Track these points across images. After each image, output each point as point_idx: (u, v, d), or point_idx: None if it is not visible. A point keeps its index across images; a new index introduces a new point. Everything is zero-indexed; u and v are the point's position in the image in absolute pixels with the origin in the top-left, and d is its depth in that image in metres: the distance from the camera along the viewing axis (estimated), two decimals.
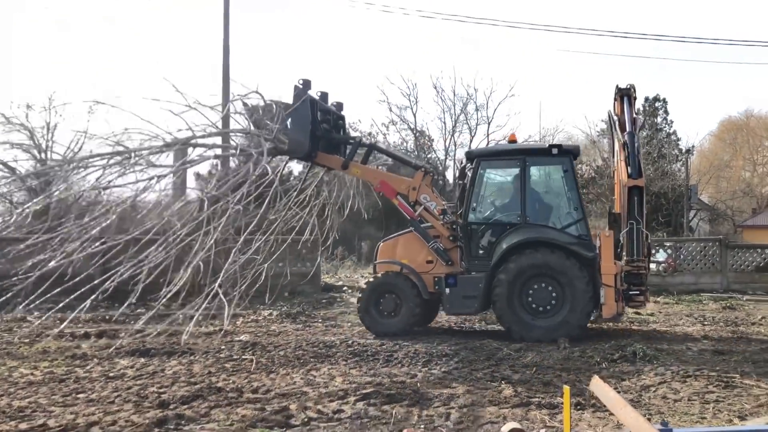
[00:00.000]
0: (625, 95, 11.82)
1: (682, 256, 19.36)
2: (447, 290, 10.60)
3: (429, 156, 35.86)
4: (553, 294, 10.24)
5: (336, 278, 21.00)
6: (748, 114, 50.46)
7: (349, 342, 9.83)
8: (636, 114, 11.59)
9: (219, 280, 7.89)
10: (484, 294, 10.44)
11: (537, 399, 6.39)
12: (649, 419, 5.54)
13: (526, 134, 35.71)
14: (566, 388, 3.34)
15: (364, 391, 6.59)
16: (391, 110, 36.18)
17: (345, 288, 18.30)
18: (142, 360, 8.63)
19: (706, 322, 12.63)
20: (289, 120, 10.65)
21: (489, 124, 36.93)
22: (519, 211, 10.78)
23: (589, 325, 10.70)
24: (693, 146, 44.48)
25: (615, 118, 11.96)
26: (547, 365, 8.12)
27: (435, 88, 38.13)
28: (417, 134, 36.56)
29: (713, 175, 44.70)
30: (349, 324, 12.25)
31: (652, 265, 21.35)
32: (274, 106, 10.67)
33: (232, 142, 11.33)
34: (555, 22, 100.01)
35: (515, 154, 11.10)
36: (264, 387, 6.97)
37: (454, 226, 11.09)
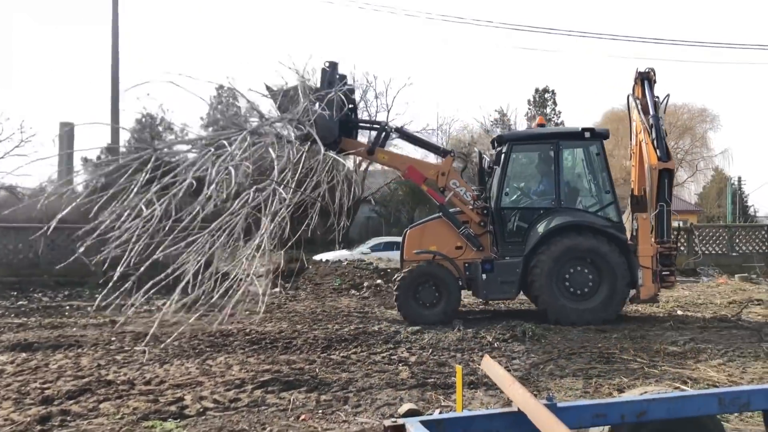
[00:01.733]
0: (645, 79, 11.64)
1: None
2: (483, 276, 10.49)
3: None
4: (590, 277, 10.32)
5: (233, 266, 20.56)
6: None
7: (247, 330, 9.69)
8: (656, 97, 11.48)
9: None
10: (521, 278, 10.45)
11: (432, 380, 6.56)
12: (536, 395, 5.84)
13: (423, 123, 36.37)
14: (458, 368, 3.45)
15: (261, 379, 6.52)
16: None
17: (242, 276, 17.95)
18: (24, 355, 8.12)
19: None
20: (317, 104, 9.93)
21: (388, 111, 37.28)
22: (553, 195, 10.80)
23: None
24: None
25: (635, 101, 11.69)
26: (442, 347, 8.35)
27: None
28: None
29: None
30: (247, 313, 12.06)
31: None
32: (299, 90, 9.88)
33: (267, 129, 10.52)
34: (452, 14, 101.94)
35: (548, 138, 11.18)
36: (157, 378, 6.75)
37: (485, 212, 10.96)
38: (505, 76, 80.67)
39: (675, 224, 18.72)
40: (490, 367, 3.30)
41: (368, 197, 38.90)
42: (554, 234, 10.26)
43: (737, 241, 22.62)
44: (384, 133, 11.30)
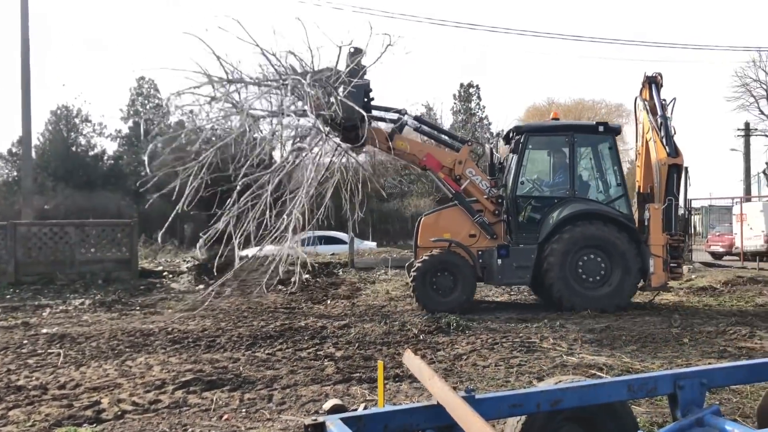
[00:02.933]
0: (652, 82, 12.24)
1: None
2: (499, 261, 10.72)
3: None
4: (602, 265, 10.66)
5: (155, 263, 20.01)
6: (550, 102, 55.19)
7: (169, 329, 9.43)
8: (663, 99, 12.10)
9: None
10: (536, 265, 10.69)
11: (358, 374, 6.57)
12: (457, 387, 5.94)
13: None
14: (380, 363, 3.46)
15: (183, 379, 6.36)
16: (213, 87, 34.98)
17: (165, 273, 17.50)
18: None
19: (512, 293, 13.74)
20: (341, 88, 9.87)
21: None
22: (567, 186, 11.13)
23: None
24: (502, 130, 47.82)
25: (643, 102, 12.29)
26: (369, 341, 8.37)
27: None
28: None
29: None
30: (170, 310, 11.76)
31: None
32: (325, 73, 9.86)
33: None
34: (378, 8, 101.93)
35: (564, 130, 11.53)
36: (72, 382, 6.48)
37: (500, 200, 11.11)
38: (431, 71, 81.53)
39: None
40: (411, 361, 3.32)
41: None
42: (568, 222, 10.67)
43: None
44: (401, 122, 11.35)
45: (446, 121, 46.75)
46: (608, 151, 11.52)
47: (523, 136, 11.36)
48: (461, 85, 52.04)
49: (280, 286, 14.76)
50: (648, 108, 12.11)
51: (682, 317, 9.95)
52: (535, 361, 7.17)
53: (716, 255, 25.24)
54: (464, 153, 11.49)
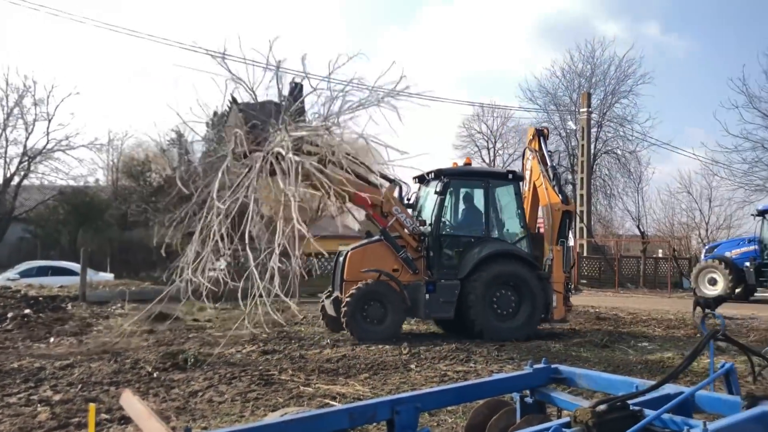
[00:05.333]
0: (540, 134, 13.95)
1: (240, 264, 20.59)
2: (427, 296, 11.45)
3: None
4: (512, 299, 11.57)
5: None
6: None
7: None
8: (549, 150, 13.98)
9: None
10: (459, 299, 11.50)
11: (77, 419, 5.97)
12: (189, 424, 5.69)
13: (91, 136, 33.75)
14: (91, 406, 3.19)
15: None
16: None
17: None
18: None
19: (257, 325, 13.62)
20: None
21: (49, 121, 33.84)
22: (482, 226, 12.31)
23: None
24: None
25: (533, 152, 13.82)
26: (94, 381, 7.67)
27: None
28: None
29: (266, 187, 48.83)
30: None
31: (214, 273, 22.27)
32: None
33: None
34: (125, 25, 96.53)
35: (481, 176, 13.04)
36: None
37: (422, 237, 11.57)
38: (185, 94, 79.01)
39: None
40: (129, 401, 3.12)
41: (23, 215, 34.54)
42: (486, 260, 11.58)
43: None
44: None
45: (196, 146, 45.49)
46: (514, 196, 12.73)
47: (445, 179, 12.21)
48: (215, 113, 51.17)
49: None
50: (538, 157, 13.71)
51: (411, 344, 10.70)
52: (272, 393, 7.16)
53: None
54: (392, 191, 11.92)
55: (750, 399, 2.97)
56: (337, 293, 11.92)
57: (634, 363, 9.37)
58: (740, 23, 77.93)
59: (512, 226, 13.05)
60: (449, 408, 6.02)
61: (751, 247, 25.38)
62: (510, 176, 13.07)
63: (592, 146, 40.92)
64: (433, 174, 12.76)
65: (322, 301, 12.70)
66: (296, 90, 11.05)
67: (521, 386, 3.89)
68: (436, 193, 12.38)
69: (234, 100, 10.91)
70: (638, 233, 45.44)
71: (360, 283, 11.31)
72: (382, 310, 11.30)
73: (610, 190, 46.53)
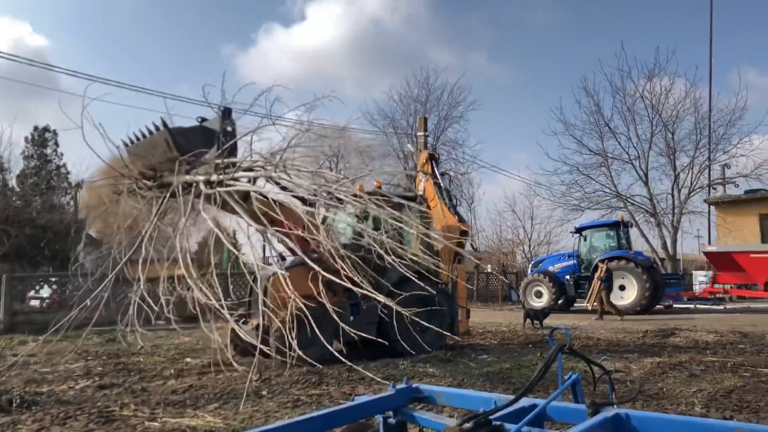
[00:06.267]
0: (432, 158, 14.83)
1: (68, 291, 19.15)
2: (352, 317, 11.79)
3: None
4: (424, 315, 11.18)
5: None
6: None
7: None
8: (441, 172, 14.85)
9: None
10: (380, 319, 11.92)
11: None
12: None
13: None
14: None
15: None
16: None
17: None
18: None
19: (89, 358, 12.66)
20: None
21: None
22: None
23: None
24: (83, 180, 44.81)
25: (425, 175, 14.45)
26: None
27: None
28: None
29: (103, 210, 45.91)
30: None
31: (36, 302, 20.56)
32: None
33: None
34: None
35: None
36: None
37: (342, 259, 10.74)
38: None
39: None
40: None
41: None
42: (403, 282, 11.54)
43: None
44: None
45: (16, 164, 41.67)
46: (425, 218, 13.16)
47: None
48: (35, 128, 47.16)
49: None
50: (431, 180, 14.29)
51: (261, 371, 10.46)
52: (115, 431, 6.69)
53: None
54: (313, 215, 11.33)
55: (593, 406, 3.26)
56: (256, 320, 11.45)
57: (477, 376, 9.88)
58: (559, 57, 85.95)
59: (424, 247, 13.76)
60: None
61: (571, 262, 27.87)
62: (419, 199, 13.73)
63: None
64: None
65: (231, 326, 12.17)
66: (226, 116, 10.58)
67: (384, 408, 3.96)
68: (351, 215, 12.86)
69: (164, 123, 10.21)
70: (472, 249, 48.16)
71: (282, 312, 11.16)
72: (311, 333, 11.24)
73: None
